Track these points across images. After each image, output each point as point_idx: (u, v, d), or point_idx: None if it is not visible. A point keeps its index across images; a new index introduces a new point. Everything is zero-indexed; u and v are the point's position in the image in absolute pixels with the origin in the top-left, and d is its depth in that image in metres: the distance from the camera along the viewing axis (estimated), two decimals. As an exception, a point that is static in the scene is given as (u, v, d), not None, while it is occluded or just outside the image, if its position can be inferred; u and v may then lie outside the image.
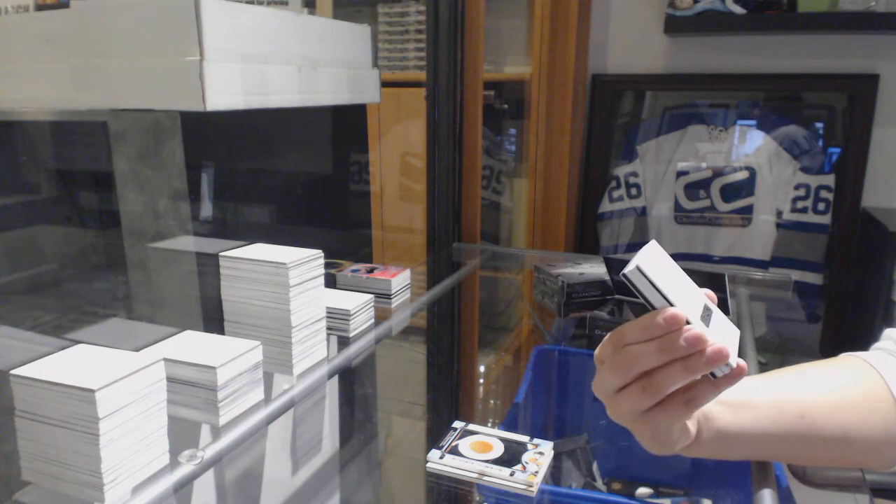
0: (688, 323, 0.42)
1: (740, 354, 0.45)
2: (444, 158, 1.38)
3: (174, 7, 0.64)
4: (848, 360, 0.58)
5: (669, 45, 1.88)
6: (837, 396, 0.54)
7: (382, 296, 1.01)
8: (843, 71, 1.74)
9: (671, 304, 0.43)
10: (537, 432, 0.68)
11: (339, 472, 0.72)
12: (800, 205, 1.75)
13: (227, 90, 0.68)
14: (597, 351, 0.47)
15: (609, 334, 0.46)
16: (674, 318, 0.42)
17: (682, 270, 0.47)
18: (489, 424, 0.69)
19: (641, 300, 0.43)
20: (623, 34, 1.92)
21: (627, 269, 0.43)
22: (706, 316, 0.45)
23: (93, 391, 0.49)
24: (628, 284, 0.43)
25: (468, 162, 1.43)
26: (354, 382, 0.85)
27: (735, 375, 0.44)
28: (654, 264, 0.43)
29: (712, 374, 0.44)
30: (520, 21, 1.94)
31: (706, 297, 0.48)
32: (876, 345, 0.60)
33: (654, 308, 0.43)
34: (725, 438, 0.52)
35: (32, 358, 0.54)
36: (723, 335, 0.45)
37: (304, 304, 0.74)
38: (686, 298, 0.44)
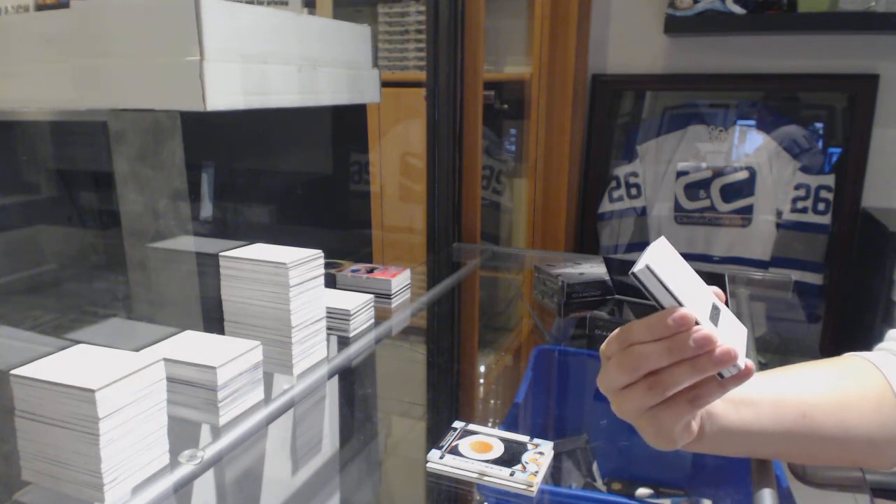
0: (696, 323, 0.42)
1: None
2: (444, 158, 1.38)
3: (174, 7, 0.64)
4: (850, 360, 0.58)
5: (669, 45, 1.88)
6: (839, 396, 0.54)
7: (382, 296, 1.01)
8: (843, 71, 1.74)
9: (680, 304, 0.42)
10: (537, 432, 0.68)
11: (339, 472, 0.72)
12: (800, 205, 1.75)
13: (227, 90, 0.68)
14: (603, 346, 0.47)
15: (616, 331, 0.46)
16: (683, 319, 0.42)
17: (690, 268, 0.46)
18: (489, 424, 0.69)
19: (648, 299, 0.43)
20: (623, 34, 1.92)
21: (637, 268, 0.42)
22: (714, 315, 0.45)
23: (93, 391, 0.49)
24: (637, 283, 0.42)
25: (468, 162, 1.43)
26: (354, 382, 0.85)
27: (743, 376, 0.43)
28: (663, 262, 0.43)
29: (719, 375, 0.44)
30: (520, 21, 1.94)
31: (714, 295, 0.47)
32: (879, 345, 0.60)
33: (662, 307, 0.43)
34: (727, 435, 0.52)
35: (32, 358, 0.54)
36: (731, 335, 0.45)
37: (304, 304, 0.74)
38: (695, 297, 0.44)
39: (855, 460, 0.57)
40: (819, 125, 1.80)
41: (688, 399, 0.45)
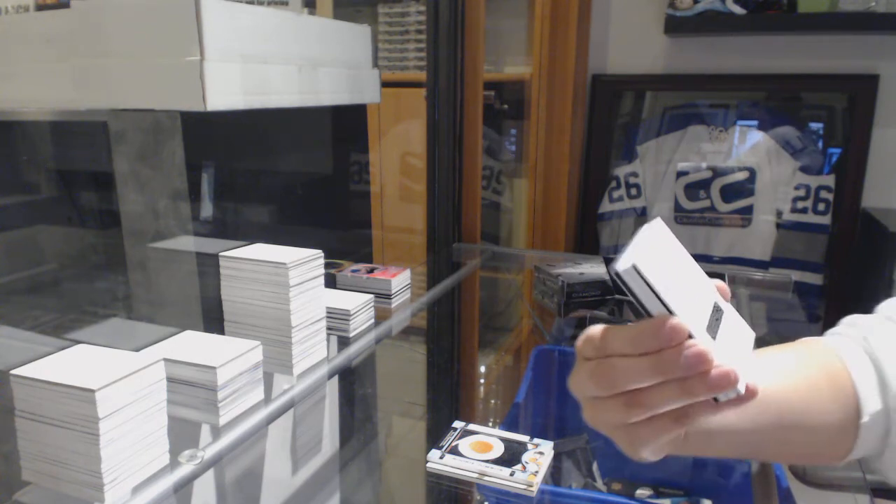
0: (690, 336, 0.35)
1: None
2: (444, 158, 1.38)
3: (174, 7, 0.64)
4: (813, 347, 0.54)
5: (669, 45, 1.88)
6: (809, 389, 0.51)
7: (382, 296, 1.01)
8: (843, 71, 1.74)
9: (671, 312, 0.34)
10: (537, 432, 0.68)
11: (339, 472, 0.72)
12: (800, 205, 1.75)
13: (227, 90, 0.68)
14: (579, 342, 0.40)
15: (597, 331, 0.39)
16: (673, 332, 0.34)
17: (689, 257, 0.39)
18: (489, 424, 0.69)
19: (637, 303, 0.36)
20: (623, 34, 1.92)
21: (621, 267, 0.34)
22: (715, 320, 0.38)
23: (93, 391, 0.49)
24: (620, 284, 0.35)
25: (468, 162, 1.43)
26: (354, 382, 0.85)
27: (744, 400, 0.37)
28: (654, 258, 0.35)
29: (714, 398, 0.37)
30: (520, 21, 1.94)
31: (717, 289, 0.40)
32: (834, 329, 0.56)
33: (649, 314, 0.35)
34: (708, 436, 0.48)
35: (32, 358, 0.54)
36: (734, 345, 0.39)
37: (304, 304, 0.74)
38: (691, 301, 0.36)
39: (819, 454, 0.54)
40: (819, 125, 1.80)
41: (672, 417, 0.38)
